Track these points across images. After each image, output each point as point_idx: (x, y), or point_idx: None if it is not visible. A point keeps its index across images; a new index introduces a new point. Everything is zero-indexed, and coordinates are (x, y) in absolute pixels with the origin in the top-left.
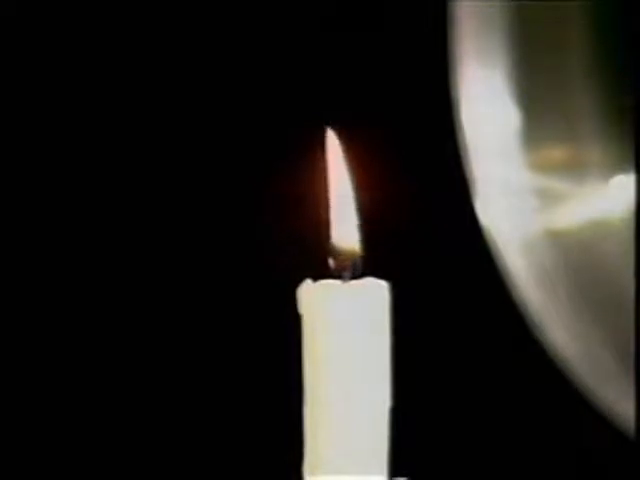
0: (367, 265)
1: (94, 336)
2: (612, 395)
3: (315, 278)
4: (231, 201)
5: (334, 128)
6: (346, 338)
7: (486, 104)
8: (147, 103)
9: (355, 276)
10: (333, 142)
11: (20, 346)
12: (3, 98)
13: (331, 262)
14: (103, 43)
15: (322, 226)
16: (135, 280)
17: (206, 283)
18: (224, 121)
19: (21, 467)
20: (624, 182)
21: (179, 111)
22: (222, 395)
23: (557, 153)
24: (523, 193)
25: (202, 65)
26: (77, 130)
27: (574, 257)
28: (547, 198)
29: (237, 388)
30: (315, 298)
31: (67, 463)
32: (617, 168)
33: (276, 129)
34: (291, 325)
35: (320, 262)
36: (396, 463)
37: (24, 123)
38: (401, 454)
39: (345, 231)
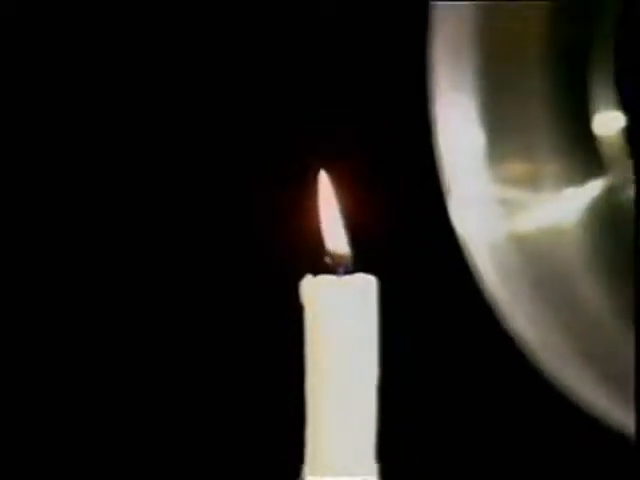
0: (356, 264)
1: (95, 331)
2: (569, 377)
3: (315, 274)
4: (252, 219)
5: (326, 167)
6: (341, 322)
7: (458, 127)
8: (155, 121)
9: (347, 272)
10: (325, 177)
11: (21, 346)
12: (4, 99)
13: (328, 261)
14: (104, 49)
15: (320, 235)
16: (149, 269)
17: (225, 279)
18: (241, 154)
19: (21, 467)
20: (576, 193)
21: (188, 134)
22: (224, 391)
23: (518, 168)
24: (489, 203)
25: (211, 97)
26: (76, 132)
27: (533, 258)
28: (510, 207)
29: (240, 382)
30: (315, 290)
31: (67, 462)
32: (570, 181)
33: (284, 164)
34: (295, 311)
35: (319, 262)
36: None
37: (24, 124)
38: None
39: (338, 238)
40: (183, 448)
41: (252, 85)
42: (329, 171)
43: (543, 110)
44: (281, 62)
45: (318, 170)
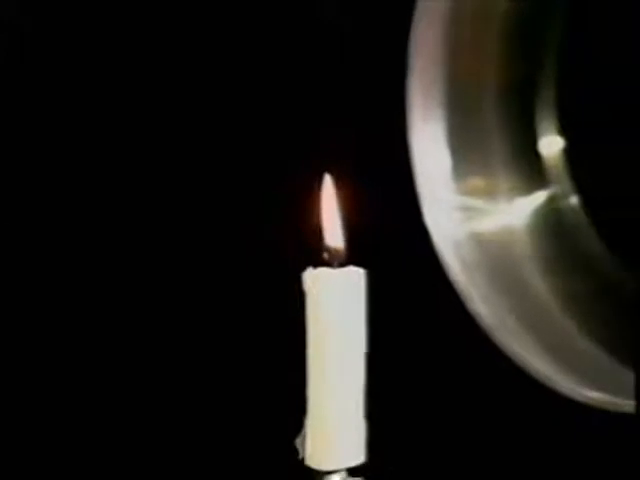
0: (349, 258)
1: (97, 327)
2: (518, 348)
3: (315, 266)
4: (264, 219)
5: (330, 173)
6: (336, 306)
7: (429, 149)
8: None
9: (341, 265)
10: (329, 183)
11: (25, 345)
12: (5, 99)
13: (325, 256)
14: (110, 53)
15: (320, 233)
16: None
17: (240, 271)
18: (256, 163)
19: (21, 467)
20: (524, 202)
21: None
22: (234, 369)
23: (477, 182)
24: (454, 209)
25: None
26: (82, 135)
27: (489, 253)
28: (470, 213)
29: (250, 358)
30: (315, 280)
31: (68, 461)
32: (519, 192)
33: (292, 172)
34: (299, 297)
35: (318, 256)
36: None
37: (26, 124)
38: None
39: (335, 236)
40: (192, 422)
41: (268, 100)
42: (333, 178)
43: (498, 135)
44: (294, 84)
45: (322, 179)
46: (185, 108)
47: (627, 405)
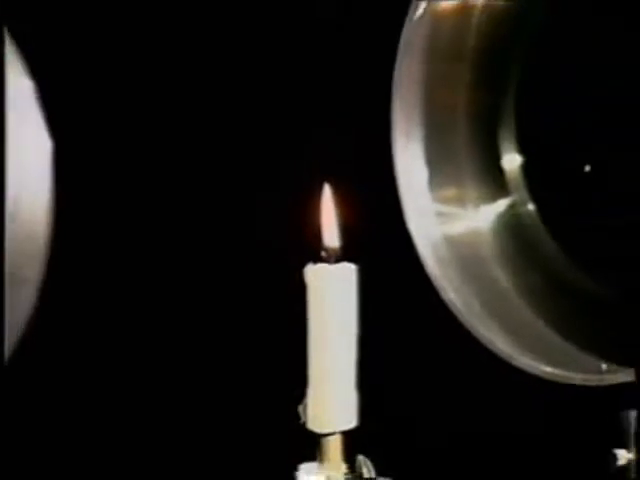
0: (343, 256)
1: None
2: (484, 331)
3: (315, 262)
4: (272, 222)
5: (328, 184)
6: (331, 296)
7: (409, 164)
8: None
9: (336, 261)
10: (328, 191)
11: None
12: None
13: (323, 254)
14: (111, 49)
15: (319, 235)
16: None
17: (250, 266)
18: (268, 174)
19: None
20: (489, 208)
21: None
22: (238, 356)
23: (450, 192)
24: (431, 215)
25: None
26: (79, 134)
27: (459, 252)
28: (444, 218)
29: (254, 348)
30: (314, 274)
31: (67, 460)
32: (485, 200)
33: (296, 183)
34: (301, 288)
35: (318, 254)
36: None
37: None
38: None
39: (332, 237)
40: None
41: (277, 114)
42: (330, 188)
43: (467, 153)
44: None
45: (322, 189)
46: (189, 111)
47: (575, 378)
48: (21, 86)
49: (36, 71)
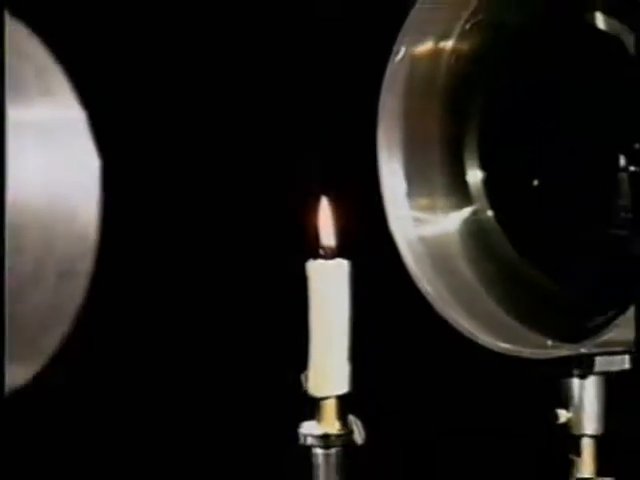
0: (338, 253)
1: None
2: (453, 316)
3: (315, 258)
4: (279, 227)
5: (325, 196)
6: (328, 287)
7: (392, 179)
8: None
9: (332, 258)
10: (325, 201)
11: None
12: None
13: (322, 252)
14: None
15: (319, 235)
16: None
17: (260, 263)
18: (278, 187)
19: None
20: (456, 215)
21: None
22: (248, 337)
23: (424, 201)
24: (409, 220)
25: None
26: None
27: (432, 250)
28: (419, 222)
29: (261, 332)
30: (314, 268)
31: (67, 461)
32: (452, 208)
33: (301, 194)
34: (303, 280)
35: (317, 252)
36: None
37: None
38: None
39: (329, 238)
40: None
41: (283, 131)
42: (328, 198)
43: (439, 170)
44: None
45: (320, 200)
46: (200, 120)
47: (525, 352)
48: (76, 116)
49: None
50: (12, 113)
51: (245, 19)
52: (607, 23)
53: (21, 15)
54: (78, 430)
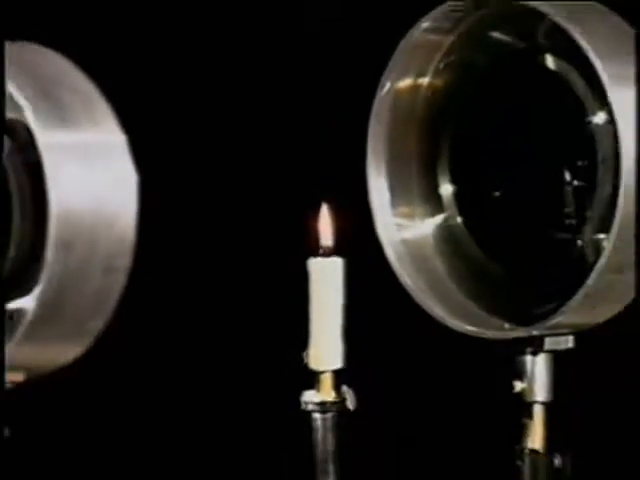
0: (334, 252)
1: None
2: (430, 305)
3: (315, 257)
4: (283, 229)
5: (325, 203)
6: (326, 281)
7: (377, 191)
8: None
9: (330, 256)
10: (325, 209)
11: None
12: None
13: (321, 251)
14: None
15: (319, 237)
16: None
17: (269, 260)
18: (285, 196)
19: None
20: (430, 221)
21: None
22: (253, 325)
23: (405, 209)
24: (392, 225)
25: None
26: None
27: (411, 250)
28: (401, 227)
29: (267, 319)
30: (315, 265)
31: (66, 460)
32: (428, 215)
33: (305, 201)
34: (305, 276)
35: (317, 251)
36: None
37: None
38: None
39: (327, 239)
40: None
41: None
42: (327, 206)
43: (417, 183)
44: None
45: (320, 206)
46: (204, 123)
47: (487, 333)
48: (117, 140)
49: (126, 127)
50: (64, 138)
51: (248, 43)
52: (556, 63)
53: (70, 53)
54: (84, 413)
